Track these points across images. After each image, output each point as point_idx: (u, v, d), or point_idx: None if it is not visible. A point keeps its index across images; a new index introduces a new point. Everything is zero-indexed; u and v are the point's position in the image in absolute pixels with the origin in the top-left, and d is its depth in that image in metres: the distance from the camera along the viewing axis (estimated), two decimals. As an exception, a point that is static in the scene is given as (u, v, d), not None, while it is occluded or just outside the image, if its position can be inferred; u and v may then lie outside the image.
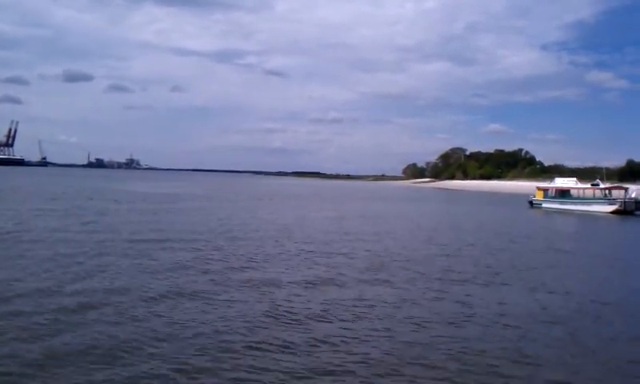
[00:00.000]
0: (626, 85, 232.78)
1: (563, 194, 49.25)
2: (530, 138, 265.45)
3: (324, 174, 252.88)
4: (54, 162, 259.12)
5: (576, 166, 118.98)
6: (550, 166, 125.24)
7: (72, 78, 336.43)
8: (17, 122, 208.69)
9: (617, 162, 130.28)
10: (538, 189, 52.48)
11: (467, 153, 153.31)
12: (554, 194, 49.81)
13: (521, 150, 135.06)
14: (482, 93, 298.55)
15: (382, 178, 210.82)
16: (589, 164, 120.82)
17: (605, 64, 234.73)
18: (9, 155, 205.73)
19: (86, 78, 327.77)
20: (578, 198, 47.77)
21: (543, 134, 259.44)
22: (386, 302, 10.93)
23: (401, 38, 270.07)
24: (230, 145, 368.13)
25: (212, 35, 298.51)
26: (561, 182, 51.35)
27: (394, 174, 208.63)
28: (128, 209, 32.33)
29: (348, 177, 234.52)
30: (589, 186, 47.57)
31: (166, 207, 34.81)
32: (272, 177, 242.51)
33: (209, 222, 25.58)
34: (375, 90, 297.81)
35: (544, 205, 49.40)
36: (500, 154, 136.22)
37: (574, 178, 51.63)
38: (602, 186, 46.97)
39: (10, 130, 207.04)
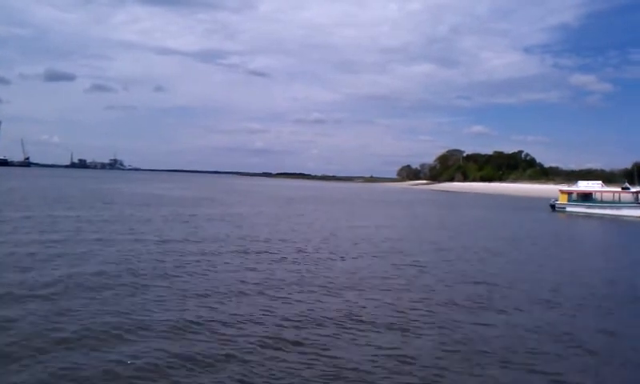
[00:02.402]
0: (609, 88, 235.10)
1: (590, 197, 47.41)
2: (512, 139, 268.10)
3: (310, 175, 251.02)
4: (35, 162, 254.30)
5: (570, 169, 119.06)
6: (550, 168, 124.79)
7: (53, 77, 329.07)
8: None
9: (599, 164, 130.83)
10: (562, 192, 50.68)
11: (464, 154, 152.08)
12: (579, 198, 47.93)
13: (521, 151, 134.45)
14: (465, 95, 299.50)
15: (372, 179, 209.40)
16: (571, 166, 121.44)
17: (588, 67, 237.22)
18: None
19: (68, 77, 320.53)
20: (607, 201, 45.98)
21: (525, 135, 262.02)
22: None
23: (385, 39, 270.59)
24: (213, 145, 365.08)
25: (195, 35, 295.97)
26: (585, 186, 49.48)
27: (380, 175, 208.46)
28: (170, 214, 29.47)
29: (334, 178, 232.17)
30: (619, 189, 45.82)
31: (221, 213, 32.16)
32: (258, 178, 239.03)
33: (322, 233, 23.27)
34: (359, 91, 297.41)
35: (568, 208, 47.66)
36: (499, 155, 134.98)
37: (600, 181, 49.81)
38: (632, 189, 45.23)
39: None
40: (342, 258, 16.64)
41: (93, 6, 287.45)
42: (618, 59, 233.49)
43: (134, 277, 12.49)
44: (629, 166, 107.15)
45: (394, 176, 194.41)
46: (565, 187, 54.21)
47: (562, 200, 49.29)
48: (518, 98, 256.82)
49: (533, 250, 21.20)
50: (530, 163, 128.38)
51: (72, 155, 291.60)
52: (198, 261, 14.95)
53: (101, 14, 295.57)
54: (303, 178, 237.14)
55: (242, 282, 12.53)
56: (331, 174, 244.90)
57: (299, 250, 17.87)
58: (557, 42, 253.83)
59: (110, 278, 12.20)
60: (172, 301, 10.46)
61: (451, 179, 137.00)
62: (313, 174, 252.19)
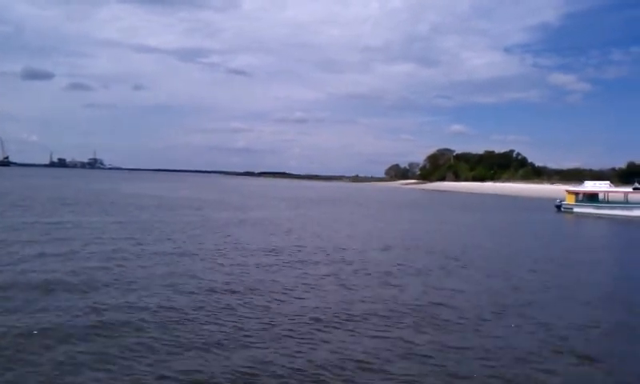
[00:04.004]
0: (589, 88, 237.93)
1: (597, 198, 46.87)
2: (492, 139, 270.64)
3: (293, 174, 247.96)
4: (14, 161, 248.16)
5: (559, 168, 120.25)
6: (540, 167, 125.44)
7: (31, 75, 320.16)
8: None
9: (577, 163, 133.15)
10: (569, 192, 50.20)
11: (454, 154, 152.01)
12: (587, 199, 47.35)
13: (512, 151, 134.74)
14: (446, 94, 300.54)
15: (357, 178, 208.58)
16: (552, 165, 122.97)
17: (568, 67, 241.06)
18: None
19: (46, 75, 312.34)
20: (616, 202, 45.58)
21: (505, 135, 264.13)
22: None
23: (367, 38, 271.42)
24: (194, 144, 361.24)
25: (176, 33, 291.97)
26: (592, 186, 48.99)
27: (364, 174, 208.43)
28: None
29: (317, 177, 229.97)
30: (630, 189, 45.41)
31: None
32: (242, 177, 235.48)
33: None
34: (341, 91, 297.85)
35: (576, 209, 47.23)
36: (491, 154, 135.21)
37: (607, 182, 49.44)
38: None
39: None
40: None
41: (72, 4, 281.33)
42: (598, 59, 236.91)
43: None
44: (613, 165, 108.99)
45: (379, 175, 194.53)
46: (570, 187, 53.62)
47: (569, 200, 48.75)
48: (498, 97, 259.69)
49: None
50: (522, 162, 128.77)
51: (51, 154, 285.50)
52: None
53: (80, 11, 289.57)
54: (286, 177, 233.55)
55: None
56: (314, 173, 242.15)
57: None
58: (537, 41, 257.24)
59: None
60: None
61: (442, 179, 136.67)
62: (295, 173, 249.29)
